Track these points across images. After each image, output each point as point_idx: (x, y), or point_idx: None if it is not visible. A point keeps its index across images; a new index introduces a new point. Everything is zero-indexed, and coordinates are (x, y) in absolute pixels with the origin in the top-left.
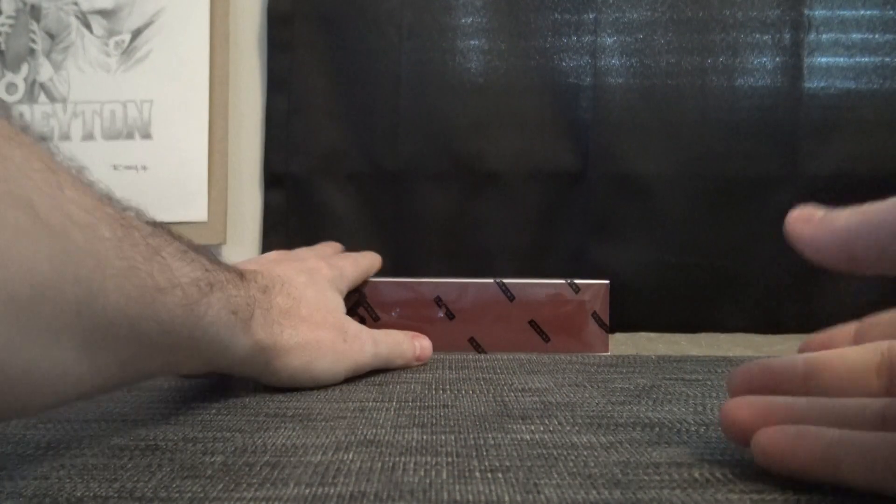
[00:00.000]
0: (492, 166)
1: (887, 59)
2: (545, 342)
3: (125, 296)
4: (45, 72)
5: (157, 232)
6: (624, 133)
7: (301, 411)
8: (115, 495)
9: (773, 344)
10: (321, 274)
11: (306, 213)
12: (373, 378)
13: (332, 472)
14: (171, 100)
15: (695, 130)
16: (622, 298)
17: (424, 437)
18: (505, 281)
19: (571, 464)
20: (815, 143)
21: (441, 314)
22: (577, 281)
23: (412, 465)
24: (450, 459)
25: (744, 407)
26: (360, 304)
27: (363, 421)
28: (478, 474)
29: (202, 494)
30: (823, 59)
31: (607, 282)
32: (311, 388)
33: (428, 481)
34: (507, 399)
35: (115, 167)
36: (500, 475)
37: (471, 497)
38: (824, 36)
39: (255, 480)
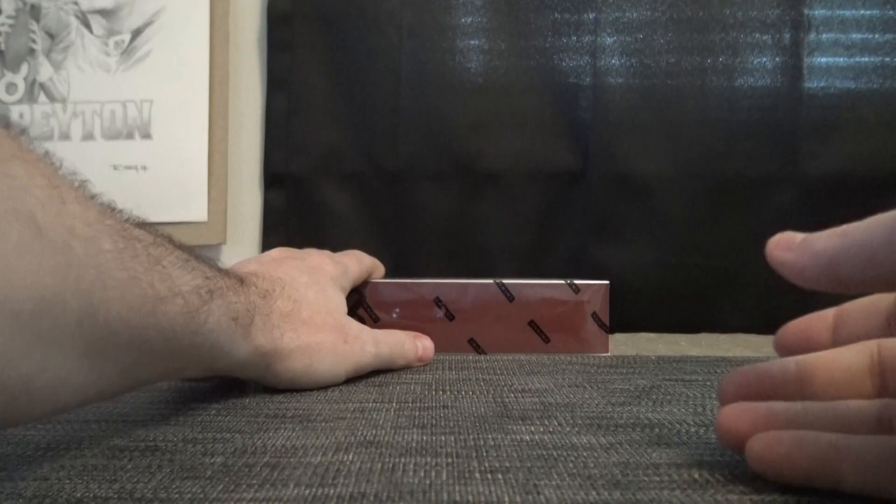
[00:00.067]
0: (492, 166)
1: (887, 59)
2: (545, 343)
3: (126, 306)
4: (45, 71)
5: (158, 241)
6: (624, 133)
7: (301, 412)
8: (115, 496)
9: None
10: (324, 271)
11: (306, 213)
12: (373, 379)
13: (331, 473)
14: (171, 100)
15: (695, 130)
16: (622, 298)
17: (424, 437)
18: (505, 281)
19: (571, 465)
20: (815, 143)
21: (441, 315)
22: (576, 281)
23: (412, 465)
24: (450, 460)
25: (740, 414)
26: (359, 304)
27: (363, 422)
28: (478, 475)
29: (202, 495)
30: (823, 59)
31: (607, 282)
32: (313, 389)
33: (428, 482)
34: (506, 400)
35: (115, 167)
36: (499, 476)
37: (471, 498)
38: (824, 36)
39: (254, 481)
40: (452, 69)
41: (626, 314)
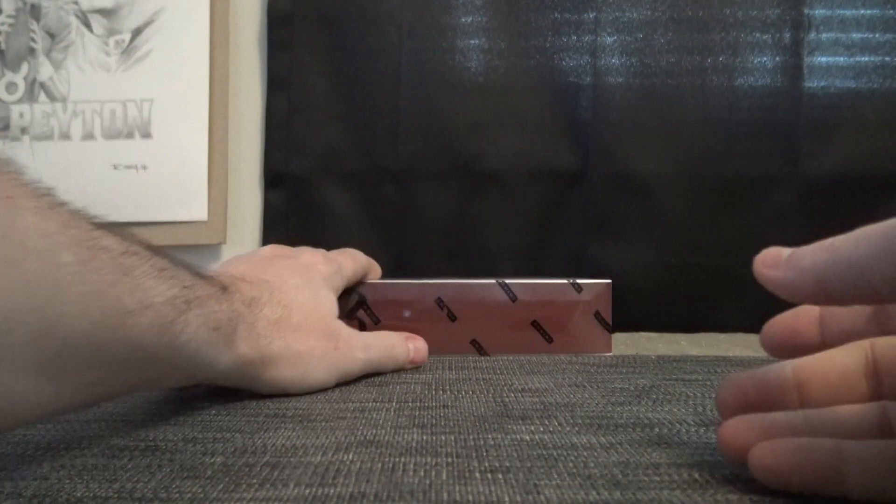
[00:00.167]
0: (492, 166)
1: (887, 59)
2: (548, 343)
3: (89, 321)
4: (45, 71)
5: (132, 250)
6: (624, 132)
7: (301, 412)
8: (115, 496)
9: None
10: (316, 271)
11: (306, 213)
12: (373, 378)
13: (332, 473)
14: (172, 99)
15: (695, 130)
16: (622, 298)
17: (424, 437)
18: (507, 281)
19: (571, 464)
20: (815, 143)
21: (442, 316)
22: (579, 281)
23: (412, 465)
24: (450, 460)
25: (742, 427)
26: (360, 306)
27: (363, 421)
28: (478, 475)
29: (202, 495)
30: (823, 59)
31: (609, 281)
32: (302, 395)
33: (428, 482)
34: (506, 399)
35: (115, 167)
36: (500, 476)
37: (471, 498)
38: (824, 35)
39: (255, 481)
40: (452, 69)
41: (626, 314)
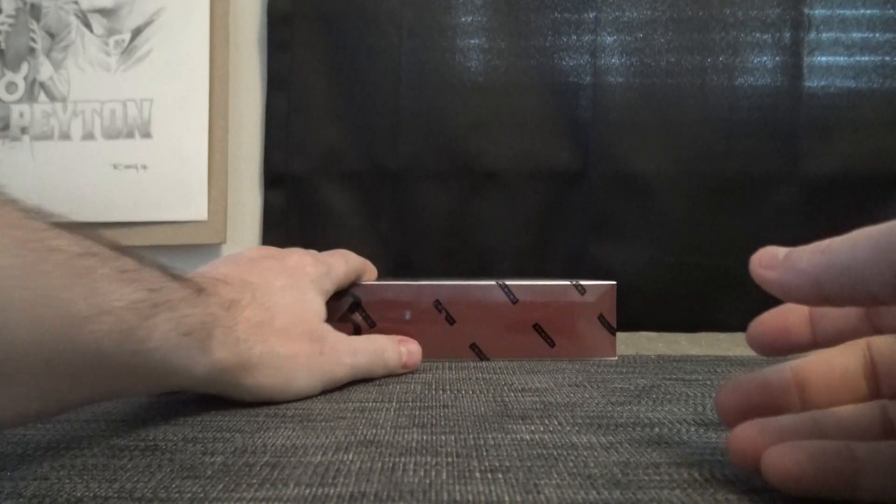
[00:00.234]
0: (492, 166)
1: (887, 59)
2: (550, 347)
3: (36, 329)
4: (45, 71)
5: (92, 251)
6: (624, 132)
7: (301, 411)
8: (115, 495)
9: None
10: (304, 272)
11: (306, 213)
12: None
13: (332, 473)
14: (172, 99)
15: (695, 130)
16: (622, 298)
17: (424, 437)
18: (508, 283)
19: (571, 464)
20: (815, 143)
21: (440, 318)
22: (583, 282)
23: (412, 465)
24: (450, 460)
25: (754, 433)
26: (355, 309)
27: (363, 421)
28: (478, 474)
29: (202, 495)
30: (823, 59)
31: (614, 283)
32: (285, 403)
33: (428, 482)
34: (507, 399)
35: (115, 166)
36: (500, 475)
37: (471, 497)
38: (824, 35)
39: (254, 481)
40: (452, 68)
41: (626, 313)
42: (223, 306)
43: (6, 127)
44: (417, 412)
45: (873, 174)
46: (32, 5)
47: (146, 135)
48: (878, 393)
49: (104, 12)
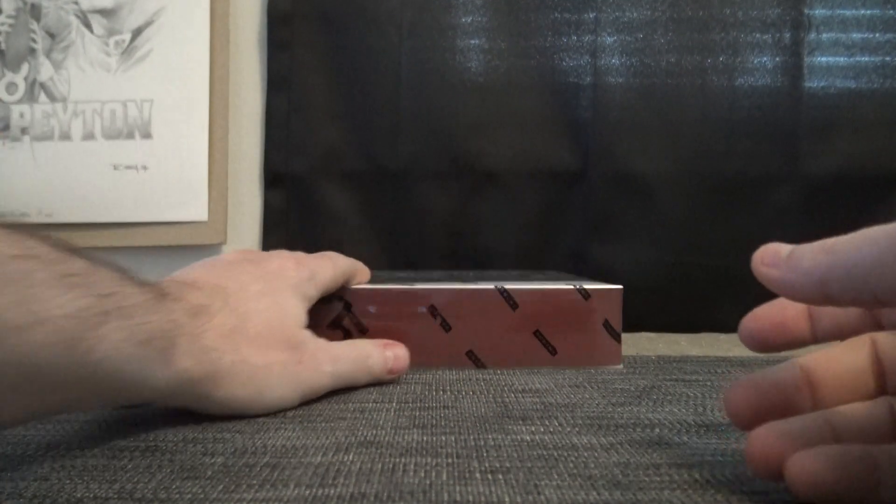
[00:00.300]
0: (492, 166)
1: (887, 59)
2: (551, 355)
3: None
4: (46, 71)
5: (30, 254)
6: (624, 132)
7: (301, 412)
8: (115, 496)
9: None
10: (284, 277)
11: (306, 213)
12: None
13: (332, 474)
14: (172, 99)
15: (695, 130)
16: (622, 298)
17: (425, 438)
18: (507, 287)
19: (572, 465)
20: (815, 143)
21: (435, 325)
22: (587, 286)
23: (412, 466)
24: (450, 460)
25: (774, 438)
26: (344, 314)
27: (363, 422)
28: (478, 475)
29: (202, 495)
30: (823, 59)
31: (620, 287)
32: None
33: (428, 482)
34: (507, 400)
35: (115, 167)
36: (500, 476)
37: (471, 498)
38: (824, 35)
39: (255, 481)
40: (453, 69)
41: (626, 314)
42: (189, 312)
43: (6, 127)
44: (418, 413)
45: (873, 174)
46: (33, 6)
47: (146, 135)
48: (885, 390)
49: (104, 12)
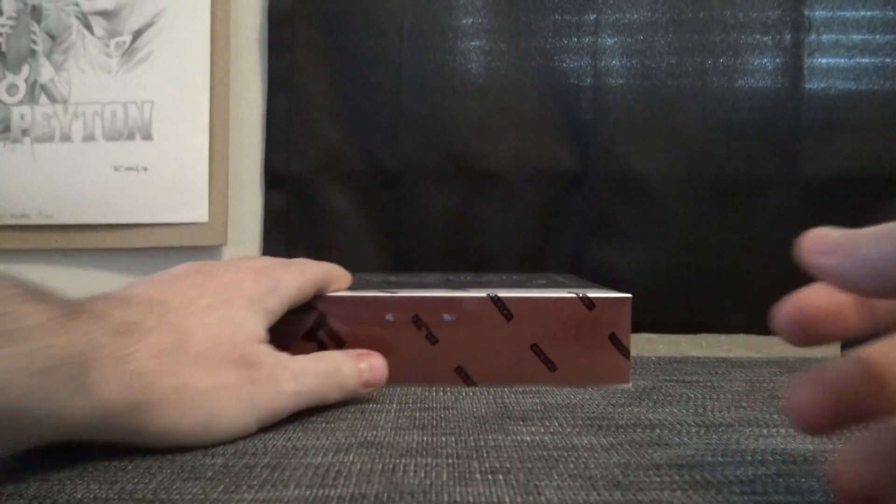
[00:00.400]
0: (492, 167)
1: (888, 60)
2: (550, 372)
3: None
4: (46, 73)
5: None
6: (624, 134)
7: (301, 413)
8: (116, 497)
9: (774, 344)
10: (240, 289)
11: (307, 214)
12: None
13: (332, 474)
14: (172, 101)
15: (695, 131)
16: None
17: (425, 438)
18: (501, 295)
19: (572, 465)
20: (815, 144)
21: (421, 337)
22: (590, 294)
23: (412, 466)
24: (450, 461)
25: (860, 467)
26: (319, 325)
27: (363, 422)
28: (478, 476)
29: (202, 496)
30: (824, 60)
31: (629, 296)
32: (212, 446)
33: (428, 483)
34: (507, 401)
35: (115, 168)
36: (500, 477)
37: (471, 499)
38: (825, 37)
39: (255, 482)
40: (453, 70)
41: None
42: (113, 332)
43: (7, 129)
44: (418, 413)
45: (874, 176)
46: (33, 7)
47: (147, 136)
48: None
49: (105, 14)
